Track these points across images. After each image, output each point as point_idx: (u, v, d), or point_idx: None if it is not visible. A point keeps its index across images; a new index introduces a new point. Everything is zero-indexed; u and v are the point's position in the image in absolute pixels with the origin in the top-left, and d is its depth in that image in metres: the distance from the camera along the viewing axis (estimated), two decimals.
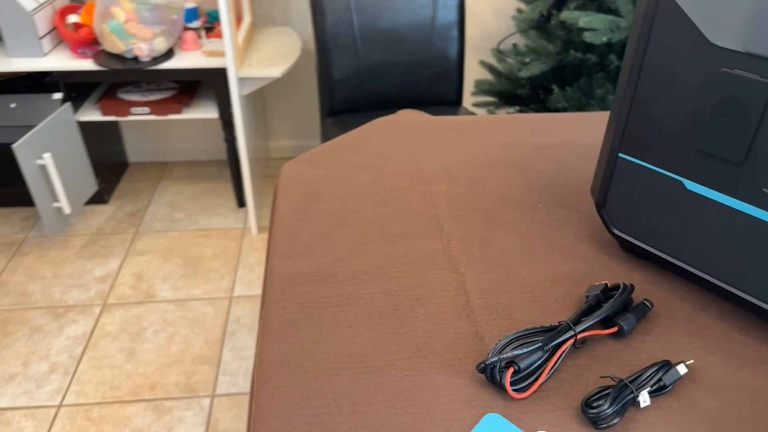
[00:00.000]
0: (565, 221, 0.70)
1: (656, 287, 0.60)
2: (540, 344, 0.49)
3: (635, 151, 0.57)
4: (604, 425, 0.45)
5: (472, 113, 1.71)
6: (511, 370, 0.47)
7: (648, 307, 0.55)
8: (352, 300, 0.58)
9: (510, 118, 0.97)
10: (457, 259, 0.64)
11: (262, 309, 0.59)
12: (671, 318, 0.56)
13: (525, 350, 0.48)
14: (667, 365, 0.49)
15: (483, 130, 0.93)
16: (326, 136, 1.68)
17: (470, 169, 0.81)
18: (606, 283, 0.57)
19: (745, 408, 0.47)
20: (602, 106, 1.57)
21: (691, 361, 0.50)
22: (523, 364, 0.48)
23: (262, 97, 2.24)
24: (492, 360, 0.47)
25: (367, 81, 1.74)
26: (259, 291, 1.77)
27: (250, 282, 1.80)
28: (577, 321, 0.52)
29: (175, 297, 1.73)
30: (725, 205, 0.52)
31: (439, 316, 0.56)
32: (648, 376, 0.48)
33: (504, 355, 0.47)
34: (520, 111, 1.91)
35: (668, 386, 0.48)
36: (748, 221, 0.51)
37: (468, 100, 2.24)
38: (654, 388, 0.48)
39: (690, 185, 0.54)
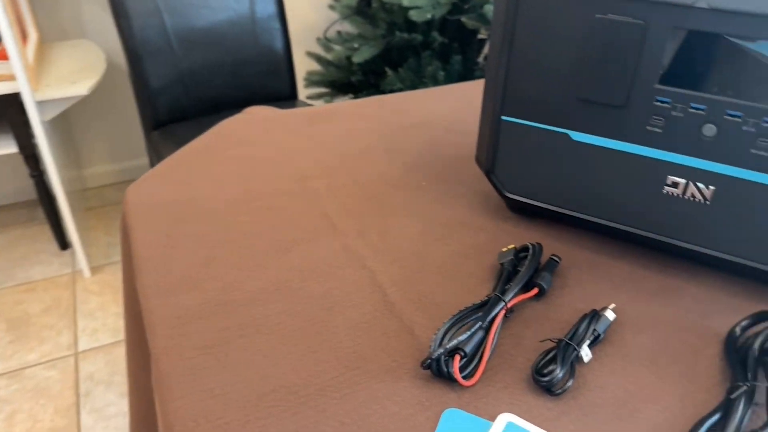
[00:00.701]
0: (455, 195, 0.69)
1: (557, 242, 0.61)
2: (480, 324, 0.46)
3: (518, 112, 0.57)
4: (560, 390, 0.44)
5: (310, 105, 1.66)
6: (458, 357, 0.44)
7: (557, 261, 0.56)
8: (259, 326, 0.50)
9: (368, 102, 0.94)
10: (361, 255, 0.59)
11: (151, 362, 0.49)
12: (578, 268, 0.57)
13: (468, 333, 0.45)
14: (596, 314, 0.49)
15: (345, 118, 0.88)
16: (156, 152, 1.52)
17: (345, 158, 0.77)
18: (514, 247, 0.56)
19: (670, 337, 0.49)
20: (435, 82, 1.61)
21: (613, 305, 0.51)
22: (469, 349, 0.45)
23: (66, 120, 1.97)
24: (438, 353, 0.44)
25: (192, 86, 1.60)
26: (109, 339, 1.56)
27: (96, 331, 1.58)
28: (503, 290, 0.50)
29: (5, 368, 1.46)
30: (612, 149, 0.53)
31: (361, 320, 0.51)
32: (583, 330, 0.47)
33: (449, 345, 0.44)
34: (355, 98, 1.91)
35: (602, 335, 0.48)
36: (635, 161, 0.52)
37: (302, 93, 2.18)
38: (591, 340, 0.47)
39: (576, 136, 0.54)
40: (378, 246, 0.60)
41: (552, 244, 0.60)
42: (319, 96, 1.95)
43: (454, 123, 0.85)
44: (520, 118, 0.57)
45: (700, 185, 0.51)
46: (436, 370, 0.44)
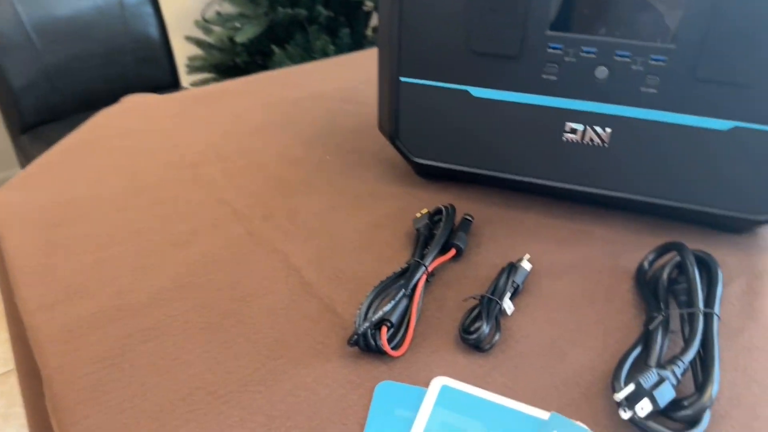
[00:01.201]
0: (361, 166, 0.66)
1: (468, 201, 0.60)
2: (403, 291, 0.44)
3: (415, 71, 0.55)
4: (488, 345, 0.43)
5: None
6: (384, 329, 0.42)
7: (470, 220, 0.55)
8: (164, 328, 0.46)
9: (256, 79, 0.89)
10: (269, 238, 0.55)
11: (44, 385, 0.43)
12: (491, 224, 0.57)
13: (392, 303, 0.43)
14: (513, 267, 0.49)
15: (233, 97, 0.83)
16: (27, 158, 1.37)
17: (238, 139, 0.72)
18: (428, 212, 0.55)
19: (585, 279, 0.50)
20: (325, 57, 1.57)
21: (528, 255, 0.51)
22: (395, 318, 0.43)
23: None
24: (364, 327, 0.41)
25: (60, 81, 1.46)
26: (0, 368, 1.41)
27: None
28: (421, 255, 0.49)
29: None
30: (511, 102, 0.53)
31: (278, 306, 0.48)
32: (503, 283, 0.47)
33: (375, 317, 0.42)
34: None
35: (521, 286, 0.48)
36: (534, 112, 0.53)
37: (185, 80, 2.06)
38: (511, 292, 0.47)
39: (475, 92, 0.54)
40: (286, 227, 0.57)
41: (464, 204, 0.60)
42: (203, 82, 1.84)
43: (349, 93, 0.83)
44: (419, 78, 0.55)
45: (598, 129, 0.52)
46: (364, 345, 0.42)
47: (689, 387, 0.40)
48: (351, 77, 0.88)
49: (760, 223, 0.52)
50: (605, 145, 0.52)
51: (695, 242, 0.54)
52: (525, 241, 0.55)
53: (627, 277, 0.51)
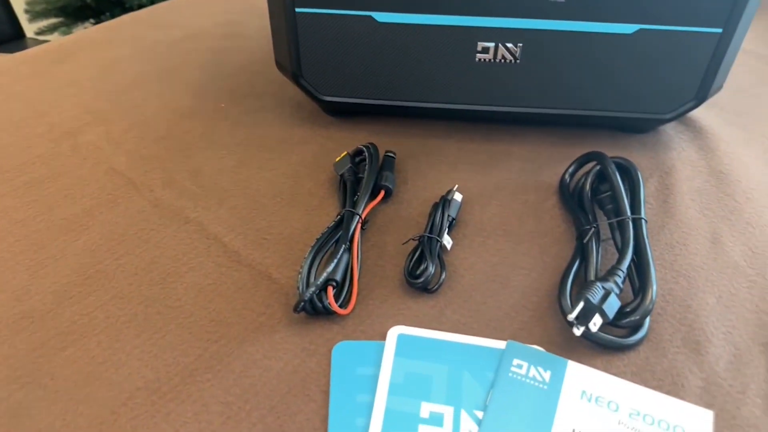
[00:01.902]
0: (261, 111, 0.61)
1: (386, 136, 0.57)
2: (343, 246, 0.42)
3: (312, 0, 0.50)
4: (436, 286, 0.43)
5: (45, 41, 1.37)
6: (330, 288, 0.40)
7: (393, 157, 0.53)
8: (82, 329, 0.41)
9: (119, 23, 0.78)
10: (179, 207, 0.50)
11: None
12: (414, 158, 0.55)
13: (335, 260, 0.41)
14: (445, 201, 0.48)
15: (96, 48, 0.72)
16: None
17: (114, 96, 0.63)
18: (348, 154, 0.52)
19: (512, 200, 0.50)
20: None
21: (456, 185, 0.50)
22: (339, 276, 0.41)
23: None
24: (310, 292, 0.39)
25: None
26: None
27: None
28: (352, 203, 0.46)
29: None
30: (419, 24, 0.50)
31: (205, 281, 0.44)
32: (439, 219, 0.46)
33: (319, 280, 0.39)
34: (99, 23, 1.62)
35: (455, 218, 0.48)
36: (444, 33, 0.50)
37: (28, 29, 1.79)
38: (447, 227, 0.46)
39: (380, 17, 0.50)
40: (193, 191, 0.51)
41: (382, 139, 0.57)
42: (52, 28, 1.61)
43: (232, 28, 0.75)
44: (316, 7, 0.50)
45: (509, 45, 0.50)
46: (311, 309, 0.40)
47: (627, 293, 0.41)
48: (230, 8, 0.80)
49: (664, 121, 0.54)
50: (517, 61, 0.51)
51: (606, 147, 0.56)
52: (449, 170, 0.54)
53: (551, 192, 0.51)
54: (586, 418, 0.35)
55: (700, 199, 0.51)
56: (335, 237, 0.44)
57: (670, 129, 0.57)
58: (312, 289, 0.39)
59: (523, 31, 0.49)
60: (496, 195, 0.51)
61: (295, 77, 0.55)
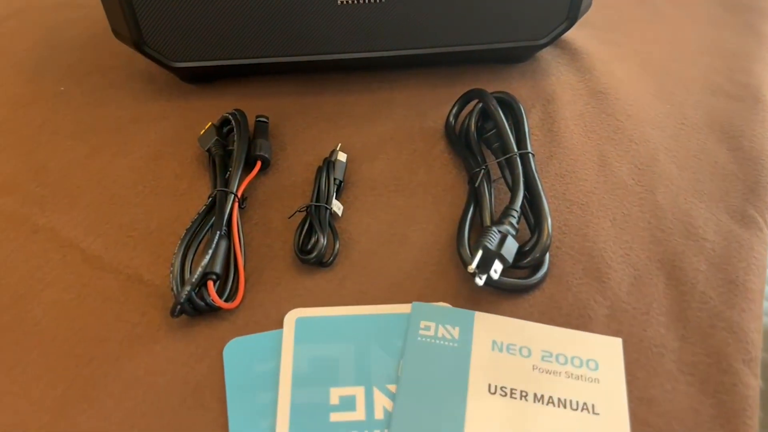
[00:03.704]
0: (108, 88, 0.53)
1: (255, 100, 0.52)
2: (218, 232, 0.37)
3: None
4: (331, 257, 0.39)
5: None
6: (210, 283, 0.36)
7: (266, 122, 0.48)
8: None
9: None
10: (24, 214, 0.43)
11: None
12: (288, 120, 0.50)
13: (210, 250, 0.36)
14: (329, 163, 0.44)
15: None
16: None
17: None
18: (213, 125, 0.46)
19: (400, 151, 0.47)
20: None
21: (339, 144, 0.46)
22: (219, 267, 0.36)
23: None
24: (185, 292, 0.34)
25: None
26: None
27: None
28: (225, 181, 0.42)
29: None
30: None
31: (67, 296, 0.38)
32: (325, 184, 0.42)
33: (195, 277, 0.35)
34: None
35: (342, 181, 0.44)
36: None
37: None
38: (335, 192, 0.43)
39: None
40: (41, 193, 0.44)
41: (250, 103, 0.51)
42: None
43: None
44: None
45: None
46: (192, 309, 0.35)
47: (525, 231, 0.40)
48: None
49: (540, 47, 0.52)
50: (381, 0, 0.47)
51: (486, 81, 0.54)
52: (330, 127, 0.50)
53: (438, 136, 0.49)
54: (500, 369, 0.34)
55: (584, 122, 0.50)
56: (209, 222, 0.39)
57: (547, 55, 0.56)
58: (188, 288, 0.34)
59: None
60: (382, 148, 0.48)
61: (138, 45, 0.48)
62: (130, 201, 0.43)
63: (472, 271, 0.35)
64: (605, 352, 0.35)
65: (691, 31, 0.60)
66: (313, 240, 0.39)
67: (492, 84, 0.53)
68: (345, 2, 0.47)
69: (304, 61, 0.50)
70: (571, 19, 0.50)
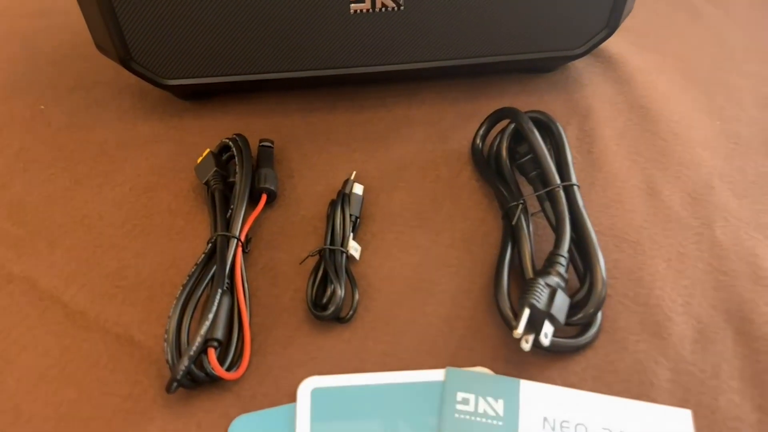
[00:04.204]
0: (93, 107, 0.48)
1: (255, 118, 0.47)
2: (219, 289, 0.32)
3: None
4: (350, 312, 0.34)
5: None
6: (212, 351, 0.31)
7: (270, 146, 0.43)
8: None
9: None
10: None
11: None
12: (294, 141, 0.45)
13: (211, 314, 0.31)
14: (344, 197, 0.39)
15: None
16: None
17: None
18: (211, 152, 0.41)
19: (423, 180, 0.42)
20: None
21: (354, 173, 0.41)
22: (221, 332, 0.31)
23: None
24: (183, 366, 0.29)
25: None
26: None
27: None
28: (226, 222, 0.36)
29: None
30: None
31: (45, 362, 0.33)
32: (340, 222, 0.37)
33: (194, 348, 0.30)
34: None
35: (358, 216, 0.39)
36: None
37: None
38: (351, 230, 0.38)
39: None
40: (16, 234, 0.39)
41: (254, 124, 0.46)
42: None
43: (40, 1, 0.59)
44: None
45: None
46: (190, 382, 0.30)
47: (571, 278, 0.35)
48: None
49: (575, 57, 0.47)
50: (401, 7, 0.41)
51: (513, 94, 0.48)
52: (342, 151, 0.44)
53: (464, 160, 0.44)
54: None
55: (626, 143, 0.45)
56: (209, 274, 0.33)
57: (579, 63, 0.50)
58: (185, 361, 0.29)
59: None
60: (401, 175, 0.43)
61: (125, 62, 0.42)
62: (119, 243, 0.38)
63: (518, 336, 0.30)
64: (673, 428, 0.30)
65: (735, 35, 0.54)
66: (329, 292, 0.34)
67: (519, 98, 0.48)
68: (358, 11, 0.41)
69: (310, 77, 0.45)
70: (612, 26, 0.45)
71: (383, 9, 0.41)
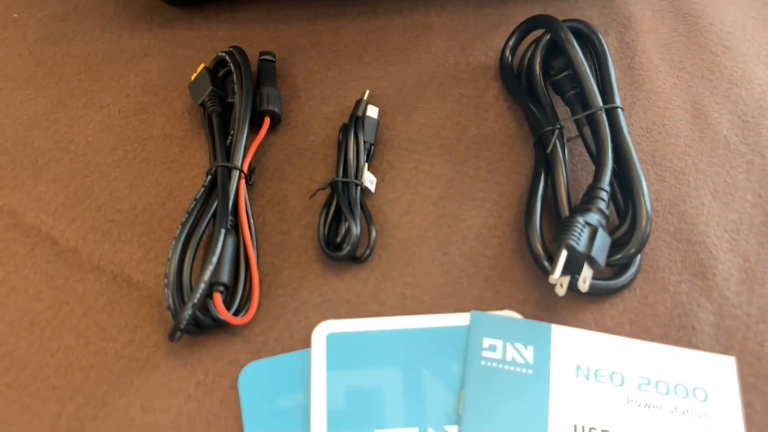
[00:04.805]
0: (73, 16, 0.42)
1: (253, 27, 0.41)
2: (223, 227, 0.29)
3: None
4: (367, 251, 0.31)
5: None
6: (218, 295, 0.28)
7: (272, 60, 0.38)
8: None
9: None
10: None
11: None
12: (301, 54, 0.40)
13: (215, 257, 0.28)
14: (357, 120, 0.35)
15: None
16: None
17: None
18: (205, 68, 0.36)
19: (444, 100, 0.38)
20: None
21: (367, 92, 0.37)
22: (226, 275, 0.28)
23: None
24: (186, 315, 0.27)
25: None
26: None
27: None
28: (225, 151, 0.32)
29: None
30: None
31: (37, 307, 0.30)
32: (353, 151, 0.33)
33: (197, 294, 0.27)
34: None
35: (373, 144, 0.35)
36: None
37: None
38: (366, 160, 0.34)
39: None
40: (30, 189, 0.35)
41: (253, 34, 0.41)
42: None
43: None
44: None
45: None
46: (195, 328, 0.28)
47: (611, 213, 0.32)
48: None
49: None
50: None
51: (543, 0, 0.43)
52: (353, 65, 0.40)
53: (490, 76, 0.39)
54: (588, 404, 0.27)
55: (671, 57, 0.40)
56: (210, 210, 0.30)
57: None
58: (189, 309, 0.26)
59: None
60: (420, 94, 0.38)
61: None
62: (109, 172, 0.35)
63: (553, 282, 0.27)
64: (715, 376, 0.28)
65: None
66: (343, 229, 0.30)
67: (552, 4, 0.42)
68: None
69: None
70: None
71: None
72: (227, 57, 0.36)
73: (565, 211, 0.30)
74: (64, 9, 0.43)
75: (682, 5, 0.42)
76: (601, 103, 0.32)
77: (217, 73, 0.36)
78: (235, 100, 0.34)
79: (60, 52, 0.40)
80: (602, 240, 0.28)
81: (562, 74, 0.35)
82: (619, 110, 0.33)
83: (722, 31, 0.41)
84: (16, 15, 0.43)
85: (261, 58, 0.38)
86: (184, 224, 0.29)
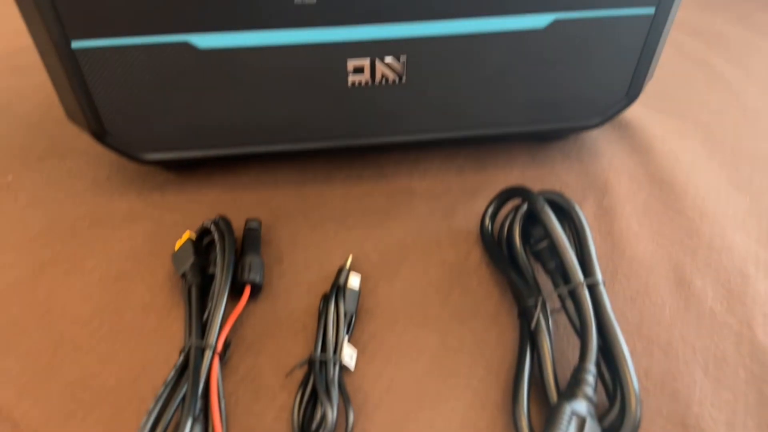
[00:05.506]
0: (65, 179, 0.44)
1: (242, 193, 0.43)
2: (191, 415, 0.27)
3: (94, 28, 0.33)
4: None
5: None
6: None
7: (257, 229, 0.38)
8: None
9: None
10: None
11: None
12: (287, 218, 0.41)
13: None
14: (338, 291, 0.34)
15: None
16: None
17: None
18: (190, 237, 0.36)
19: (427, 264, 0.38)
20: None
21: (350, 258, 0.37)
22: None
23: None
24: None
25: None
26: None
27: None
28: (201, 327, 0.32)
29: None
30: (257, 46, 0.35)
31: None
32: (333, 325, 0.33)
33: None
34: None
35: (354, 315, 0.34)
36: (300, 55, 0.36)
37: None
38: (346, 332, 0.33)
39: (201, 41, 0.34)
40: None
41: (241, 199, 0.42)
42: None
43: (20, 56, 0.55)
44: (101, 37, 0.34)
45: (389, 60, 0.37)
46: None
47: (598, 395, 0.31)
48: (21, 28, 0.60)
49: (591, 128, 0.43)
50: (402, 80, 0.38)
51: (523, 165, 0.45)
52: (337, 229, 0.40)
53: (472, 240, 0.40)
54: None
55: (649, 222, 0.41)
56: (180, 393, 0.29)
57: (593, 129, 0.47)
58: None
59: (405, 40, 0.36)
60: (403, 259, 0.38)
61: (98, 136, 0.38)
62: (83, 344, 0.34)
63: None
64: None
65: (759, 98, 0.51)
66: (318, 415, 0.29)
67: (530, 169, 0.44)
68: (358, 84, 0.38)
69: (307, 150, 0.41)
70: (632, 96, 0.41)
71: (383, 81, 0.38)
72: (212, 226, 0.36)
73: (553, 396, 0.29)
74: (59, 173, 0.44)
75: (657, 170, 0.44)
76: (581, 278, 0.32)
77: (201, 242, 0.37)
78: (216, 272, 0.34)
79: (48, 216, 0.41)
80: (591, 428, 0.27)
81: (542, 244, 0.35)
82: (601, 286, 0.33)
83: (697, 197, 0.42)
84: (11, 177, 0.44)
85: (246, 226, 0.38)
86: (150, 413, 0.28)
